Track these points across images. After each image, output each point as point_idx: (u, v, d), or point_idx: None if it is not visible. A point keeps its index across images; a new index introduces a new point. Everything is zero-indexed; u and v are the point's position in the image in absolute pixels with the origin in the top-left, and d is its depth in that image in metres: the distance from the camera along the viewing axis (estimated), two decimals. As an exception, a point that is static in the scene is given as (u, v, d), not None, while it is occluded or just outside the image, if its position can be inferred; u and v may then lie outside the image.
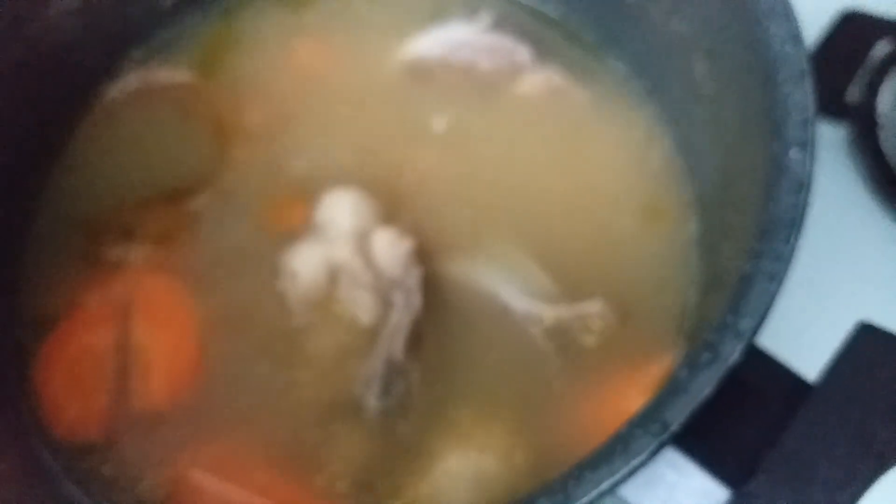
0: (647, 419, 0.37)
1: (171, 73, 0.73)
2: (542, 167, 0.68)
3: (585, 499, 0.35)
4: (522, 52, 0.71)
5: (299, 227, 0.64)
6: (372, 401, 0.58)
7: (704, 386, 0.36)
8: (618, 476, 0.35)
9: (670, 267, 0.62)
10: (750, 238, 0.43)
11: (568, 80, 0.70)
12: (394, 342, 0.59)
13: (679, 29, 0.60)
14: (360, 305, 0.61)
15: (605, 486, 0.35)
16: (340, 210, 0.64)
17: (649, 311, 0.61)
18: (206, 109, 0.71)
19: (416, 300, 0.61)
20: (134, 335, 0.61)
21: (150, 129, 0.71)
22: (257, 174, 0.68)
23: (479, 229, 0.65)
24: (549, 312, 0.60)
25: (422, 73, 0.72)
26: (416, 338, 0.60)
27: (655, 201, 0.65)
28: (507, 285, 0.62)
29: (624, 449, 0.36)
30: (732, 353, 0.37)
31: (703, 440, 0.39)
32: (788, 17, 0.46)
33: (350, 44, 0.74)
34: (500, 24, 0.72)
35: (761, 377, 0.41)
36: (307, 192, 0.65)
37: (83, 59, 0.71)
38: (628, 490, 0.41)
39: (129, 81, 0.73)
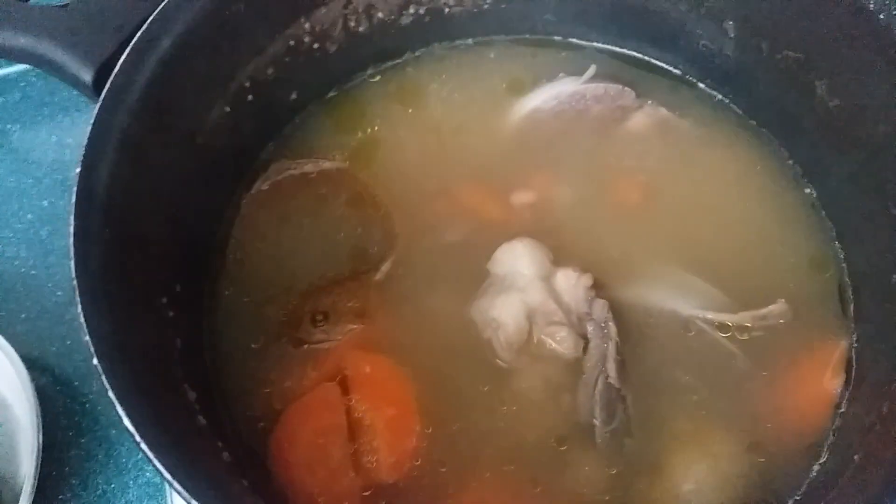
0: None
1: (313, 163, 0.74)
2: (671, 192, 0.72)
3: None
4: (628, 94, 0.75)
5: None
6: (599, 426, 0.61)
7: None
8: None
9: (818, 260, 0.68)
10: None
11: (671, 112, 0.75)
12: (606, 369, 0.62)
13: (794, 56, 0.65)
14: (560, 342, 0.64)
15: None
16: (518, 259, 0.66)
17: (811, 302, 0.66)
18: (356, 189, 0.73)
19: (612, 328, 0.64)
20: (356, 412, 0.62)
21: (304, 215, 0.72)
22: (427, 240, 0.69)
23: (637, 257, 0.69)
24: (733, 319, 0.64)
25: (540, 123, 0.75)
26: (622, 362, 0.63)
27: (781, 203, 0.71)
28: (683, 302, 0.66)
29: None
30: None
31: None
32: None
33: (470, 106, 0.76)
34: (600, 73, 0.76)
35: None
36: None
37: (228, 160, 0.71)
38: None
39: (271, 176, 0.73)
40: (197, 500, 0.40)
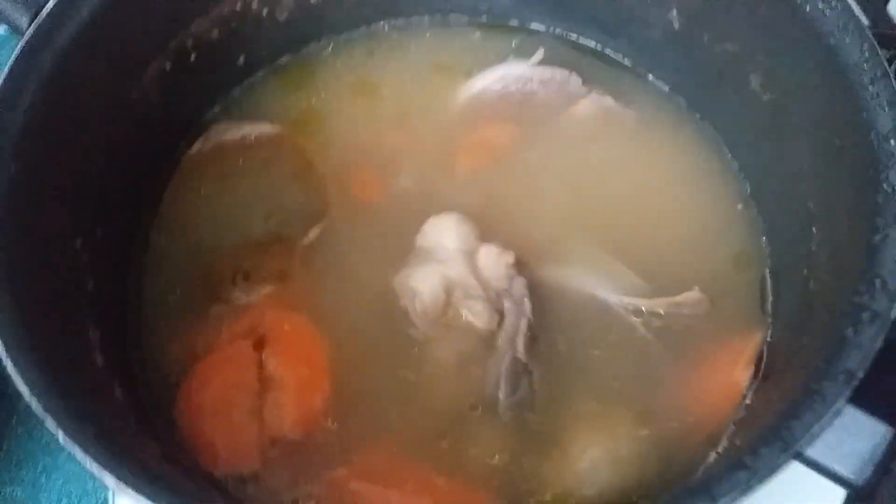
0: (831, 372, 0.41)
1: (252, 126, 0.74)
2: (607, 178, 0.72)
3: (801, 443, 0.38)
4: (574, 81, 0.75)
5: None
6: (502, 399, 0.61)
7: (874, 339, 0.41)
8: (823, 420, 0.39)
9: (741, 250, 0.67)
10: (864, 219, 0.48)
11: (616, 102, 0.75)
12: (515, 344, 0.62)
13: (731, 49, 0.65)
14: (476, 315, 0.64)
15: (815, 429, 0.39)
16: (444, 233, 0.67)
17: (732, 295, 0.65)
18: (294, 155, 0.73)
19: (527, 305, 0.64)
20: (267, 369, 0.62)
21: (242, 178, 0.72)
22: (359, 210, 0.70)
23: (564, 239, 0.69)
24: (648, 305, 0.64)
25: (485, 105, 0.75)
26: (533, 339, 0.63)
27: (716, 198, 0.70)
28: (602, 285, 0.66)
29: (822, 398, 0.39)
30: (891, 309, 0.42)
31: (863, 388, 0.43)
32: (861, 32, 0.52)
33: (419, 83, 0.77)
34: (549, 60, 0.76)
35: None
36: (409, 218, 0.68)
37: (169, 117, 0.72)
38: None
39: (212, 136, 0.74)
40: (51, 415, 0.40)
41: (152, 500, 0.40)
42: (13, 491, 0.76)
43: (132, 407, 0.54)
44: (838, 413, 0.39)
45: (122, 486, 0.40)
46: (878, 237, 0.45)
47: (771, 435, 0.40)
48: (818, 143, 0.57)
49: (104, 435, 0.42)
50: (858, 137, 0.50)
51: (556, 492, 0.59)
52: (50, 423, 0.41)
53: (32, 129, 0.55)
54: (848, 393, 0.39)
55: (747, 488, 0.38)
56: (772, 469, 0.38)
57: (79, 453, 0.40)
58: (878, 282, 0.43)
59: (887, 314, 0.42)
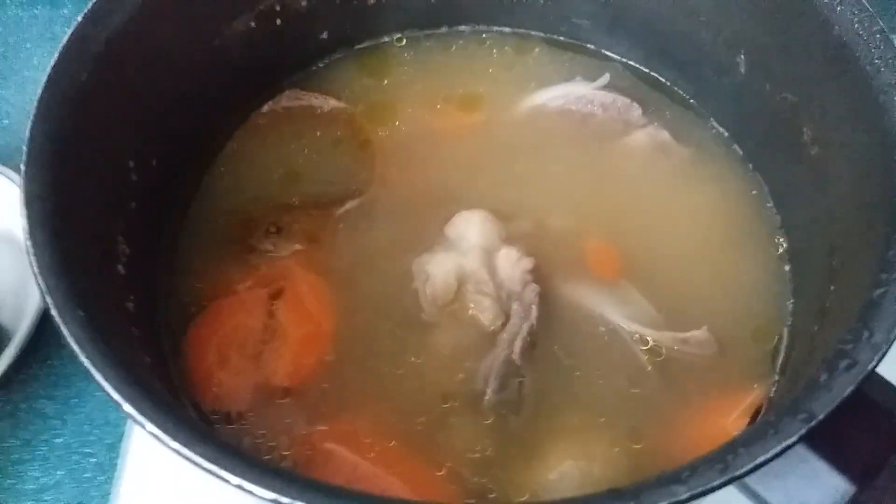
0: (793, 410, 0.39)
1: (323, 99, 0.78)
2: (647, 210, 0.72)
3: (741, 471, 0.37)
4: (635, 110, 0.75)
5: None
6: (489, 394, 0.61)
7: (846, 386, 0.39)
8: (770, 454, 0.38)
9: (766, 307, 0.65)
10: (871, 274, 0.46)
11: (673, 138, 0.75)
12: (513, 346, 0.62)
13: (790, 99, 0.64)
14: (483, 311, 0.64)
15: (759, 460, 0.37)
16: (470, 227, 0.68)
17: (745, 345, 0.64)
18: (354, 133, 0.76)
19: (534, 311, 0.64)
20: (275, 319, 0.65)
21: (301, 144, 0.76)
22: (399, 192, 0.72)
23: (590, 258, 0.68)
24: (655, 336, 0.63)
25: (544, 117, 0.77)
26: (532, 345, 0.63)
27: (751, 251, 0.68)
28: (615, 309, 0.65)
29: (776, 432, 0.38)
30: (870, 361, 0.40)
31: (831, 441, 0.41)
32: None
33: (483, 89, 0.79)
34: (615, 85, 0.77)
35: (878, 394, 0.43)
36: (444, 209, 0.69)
37: (245, 75, 0.76)
38: (759, 481, 0.43)
39: (283, 101, 0.78)
40: (48, 289, 0.43)
41: (115, 387, 0.42)
42: (44, 405, 0.81)
43: (138, 322, 0.57)
44: (786, 450, 0.38)
45: (92, 368, 0.42)
46: (878, 292, 0.43)
47: (715, 457, 0.38)
48: (854, 201, 0.55)
49: (95, 318, 0.44)
50: (891, 194, 0.48)
51: (520, 495, 0.58)
52: (49, 299, 0.44)
53: (116, 44, 0.58)
54: (803, 432, 0.38)
55: (676, 500, 0.37)
56: (705, 487, 0.37)
57: (64, 329, 0.43)
58: (865, 334, 0.41)
59: (865, 365, 0.40)
